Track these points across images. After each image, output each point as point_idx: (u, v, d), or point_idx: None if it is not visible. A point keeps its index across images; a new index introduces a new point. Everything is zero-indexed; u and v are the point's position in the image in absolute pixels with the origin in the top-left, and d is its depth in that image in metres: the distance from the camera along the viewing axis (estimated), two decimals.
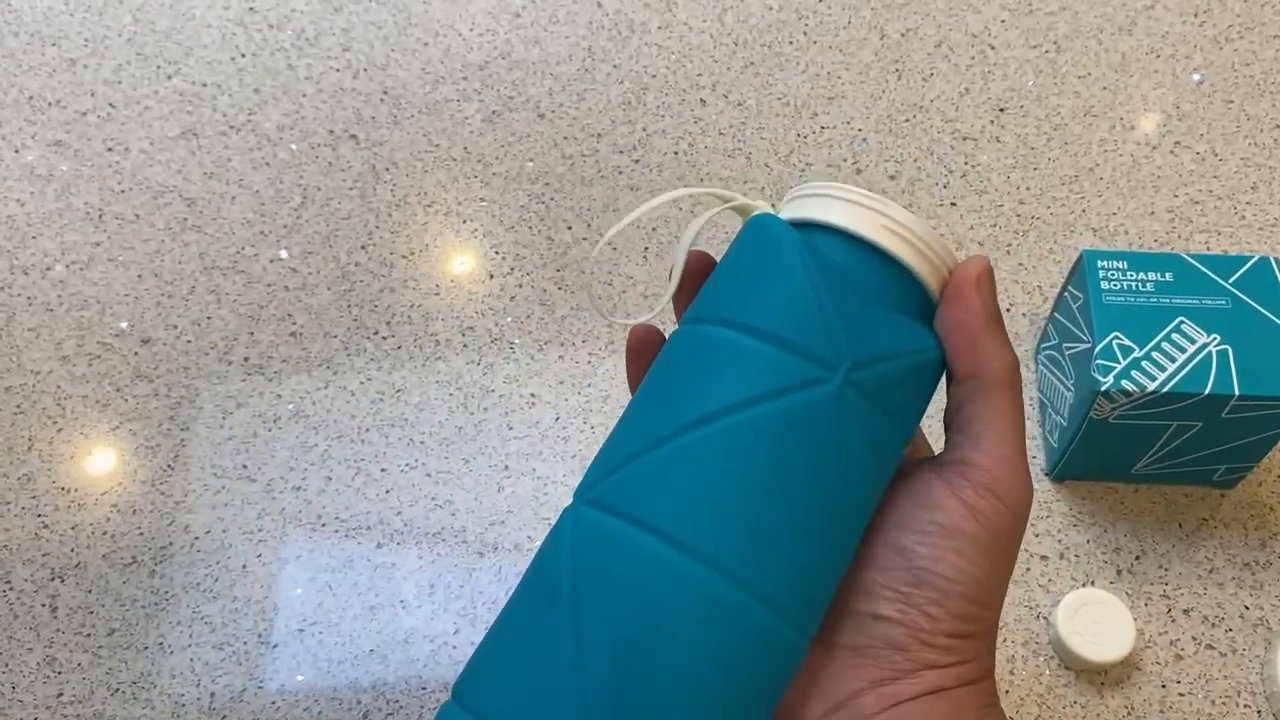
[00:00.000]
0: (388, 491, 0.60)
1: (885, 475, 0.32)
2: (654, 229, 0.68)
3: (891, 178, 0.70)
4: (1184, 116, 0.73)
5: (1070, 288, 0.57)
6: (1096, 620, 0.54)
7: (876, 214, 0.31)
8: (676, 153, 0.72)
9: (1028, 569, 0.57)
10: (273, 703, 0.54)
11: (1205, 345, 0.52)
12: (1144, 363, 0.52)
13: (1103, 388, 0.51)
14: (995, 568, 0.32)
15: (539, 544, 0.59)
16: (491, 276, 0.67)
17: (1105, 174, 0.71)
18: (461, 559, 0.58)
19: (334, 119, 0.73)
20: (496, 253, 0.68)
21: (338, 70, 0.75)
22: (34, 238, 0.68)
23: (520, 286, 0.67)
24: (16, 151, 0.72)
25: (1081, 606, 0.54)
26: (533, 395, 0.63)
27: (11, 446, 0.61)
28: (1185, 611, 0.56)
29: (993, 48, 0.76)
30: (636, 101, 0.74)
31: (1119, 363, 0.52)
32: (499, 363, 0.64)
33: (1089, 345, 0.53)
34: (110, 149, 0.72)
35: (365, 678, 0.55)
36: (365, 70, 0.75)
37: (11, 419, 0.62)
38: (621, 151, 0.72)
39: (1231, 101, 0.73)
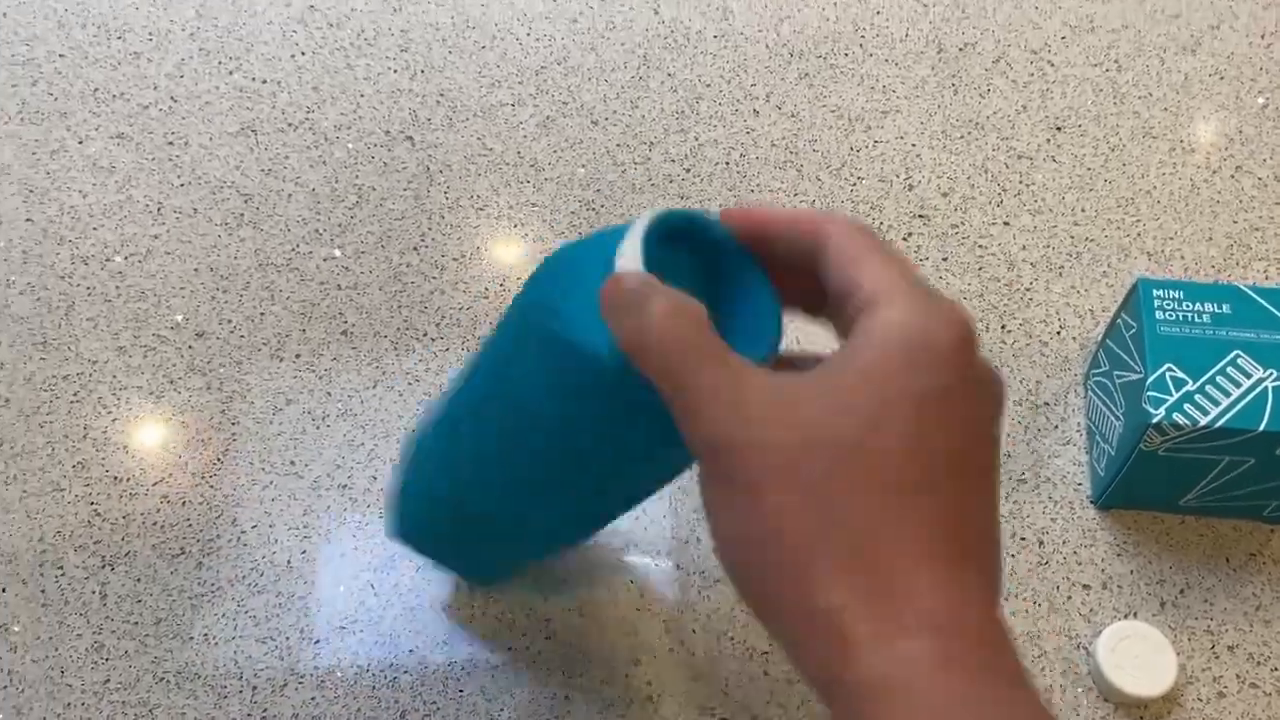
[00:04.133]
0: None
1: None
2: None
3: (944, 194, 0.70)
4: (1246, 140, 0.72)
5: (1124, 315, 0.57)
6: (1138, 654, 0.53)
7: None
8: (728, 163, 0.72)
9: (1069, 597, 0.57)
10: (312, 698, 0.55)
11: (1261, 380, 0.52)
12: (1197, 396, 0.51)
13: (1154, 420, 0.51)
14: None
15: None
16: None
17: (1163, 197, 0.70)
18: None
19: (390, 119, 0.74)
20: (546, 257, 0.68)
21: (395, 71, 0.76)
22: (95, 229, 0.70)
23: None
24: (80, 143, 0.73)
25: (1123, 639, 0.54)
26: None
27: (67, 434, 0.63)
28: (1230, 648, 0.55)
29: (1052, 65, 0.76)
30: (690, 110, 0.74)
31: (1171, 395, 0.51)
32: None
33: (1141, 376, 0.53)
34: (171, 143, 0.73)
35: (404, 678, 0.55)
36: (423, 72, 0.76)
37: (68, 407, 0.63)
38: (673, 160, 0.72)
39: None
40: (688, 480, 0.42)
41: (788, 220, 0.34)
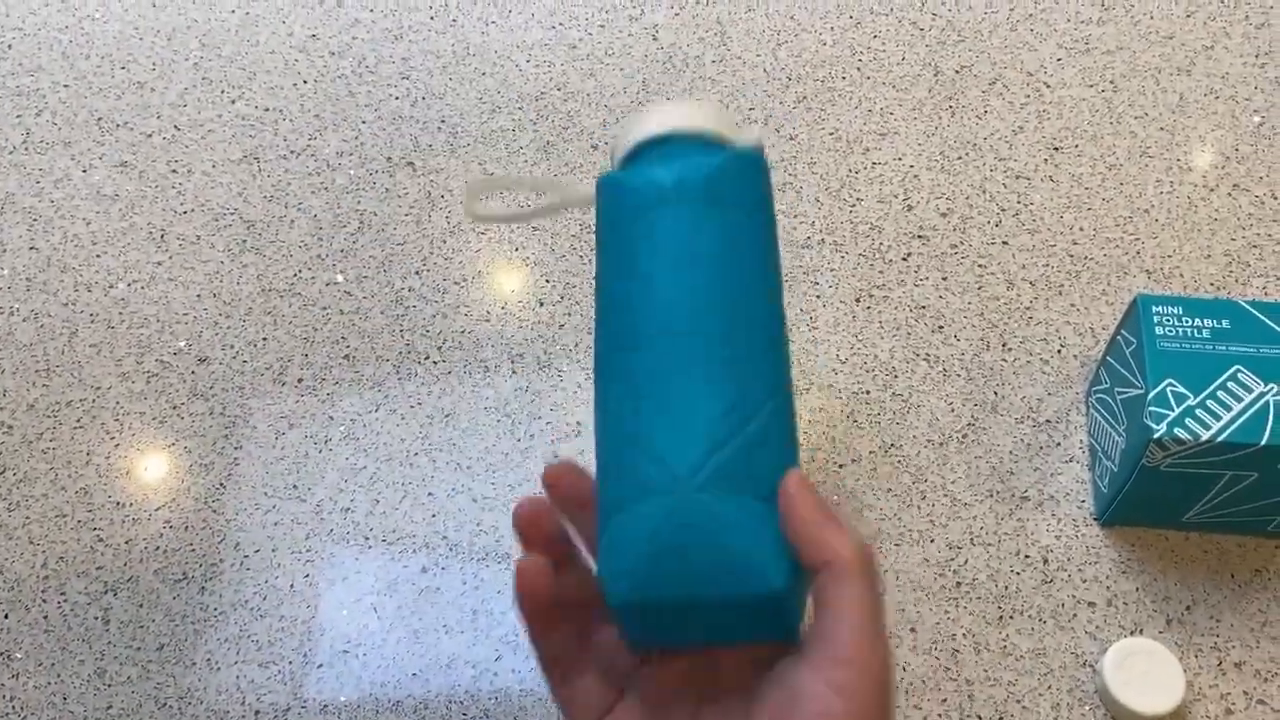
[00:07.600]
0: (434, 515, 0.60)
1: (753, 253, 0.36)
2: None
3: (943, 215, 0.70)
4: (1243, 159, 0.72)
5: (1124, 332, 0.57)
6: (1145, 670, 0.53)
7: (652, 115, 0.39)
8: None
9: (1074, 615, 0.56)
10: None
11: (1262, 395, 0.52)
12: (1198, 411, 0.51)
13: (1156, 435, 0.51)
14: None
15: None
16: (541, 304, 0.68)
17: (1160, 215, 0.70)
18: (505, 585, 0.58)
19: (392, 146, 0.74)
20: (547, 281, 0.69)
21: (396, 98, 0.77)
22: (98, 256, 0.70)
23: (569, 315, 0.67)
24: (84, 171, 0.74)
25: (1129, 656, 0.53)
26: (579, 424, 0.63)
27: (70, 460, 0.63)
28: (1237, 665, 0.55)
29: (1048, 86, 0.76)
30: None
31: (1172, 410, 0.51)
32: (546, 390, 0.64)
33: (1142, 391, 0.53)
34: (174, 170, 0.74)
35: (408, 701, 0.55)
36: (424, 99, 0.77)
37: (71, 433, 0.64)
38: None
39: None
40: None
41: None
